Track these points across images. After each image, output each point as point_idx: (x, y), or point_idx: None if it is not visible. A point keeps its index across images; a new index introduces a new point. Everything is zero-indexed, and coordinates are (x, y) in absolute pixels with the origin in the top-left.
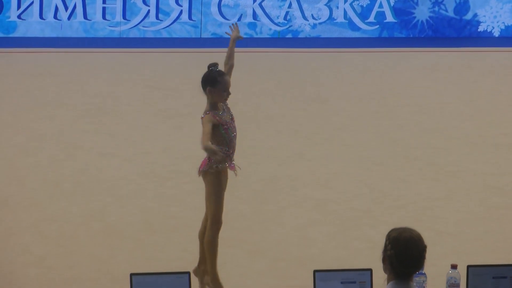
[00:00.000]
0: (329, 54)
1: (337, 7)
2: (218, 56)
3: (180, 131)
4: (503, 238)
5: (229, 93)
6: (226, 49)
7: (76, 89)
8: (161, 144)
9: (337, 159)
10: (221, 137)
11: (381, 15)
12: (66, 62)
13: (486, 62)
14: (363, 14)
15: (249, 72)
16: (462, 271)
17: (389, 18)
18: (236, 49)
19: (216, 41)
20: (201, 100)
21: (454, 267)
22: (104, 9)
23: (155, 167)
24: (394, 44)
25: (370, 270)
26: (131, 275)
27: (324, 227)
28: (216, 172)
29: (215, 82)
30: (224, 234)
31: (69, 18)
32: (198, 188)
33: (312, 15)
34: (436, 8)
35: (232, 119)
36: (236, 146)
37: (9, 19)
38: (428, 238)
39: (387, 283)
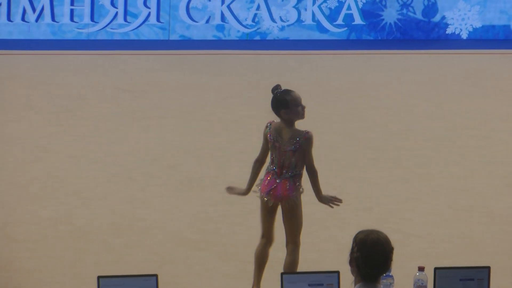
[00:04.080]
0: (297, 56)
1: (305, 9)
2: (186, 58)
3: (148, 133)
4: (470, 240)
5: (303, 107)
6: (194, 51)
7: (44, 91)
8: (129, 146)
9: None
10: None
11: (349, 17)
12: (34, 64)
13: (454, 65)
14: (331, 16)
15: (218, 75)
16: (429, 273)
17: (358, 20)
18: (203, 51)
19: (184, 43)
20: (169, 102)
21: (421, 269)
22: (72, 11)
23: (123, 170)
24: (363, 46)
25: (338, 272)
26: (99, 277)
27: None
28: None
29: (285, 103)
30: (192, 237)
31: (36, 20)
32: (165, 190)
33: (280, 17)
34: (404, 11)
35: (290, 141)
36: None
37: None
38: (395, 240)
39: (355, 286)
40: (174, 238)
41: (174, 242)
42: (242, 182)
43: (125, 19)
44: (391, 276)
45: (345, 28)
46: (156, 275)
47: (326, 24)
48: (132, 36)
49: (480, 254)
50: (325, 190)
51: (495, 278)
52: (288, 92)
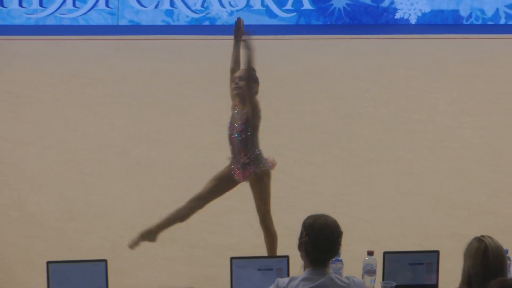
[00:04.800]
0: None
1: None
2: (135, 43)
3: (99, 119)
4: (418, 224)
5: (236, 84)
6: (143, 36)
7: None
8: (80, 132)
9: None
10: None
11: (298, 2)
12: None
13: (403, 49)
14: (281, 2)
15: (167, 60)
16: (378, 258)
17: (307, 5)
18: (153, 37)
19: (133, 29)
20: (119, 88)
21: (370, 253)
22: None
23: (74, 156)
24: (312, 31)
25: (287, 257)
26: (48, 263)
27: (241, 214)
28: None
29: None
30: (144, 222)
31: None
32: (117, 176)
33: (229, 2)
34: None
35: (240, 119)
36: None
37: None
38: (344, 225)
39: (304, 270)
40: (125, 224)
41: (125, 228)
42: (193, 168)
43: (74, 4)
44: (340, 261)
45: (294, 13)
46: (105, 261)
47: (275, 9)
48: (81, 22)
49: (428, 238)
50: (274, 176)
51: (443, 262)
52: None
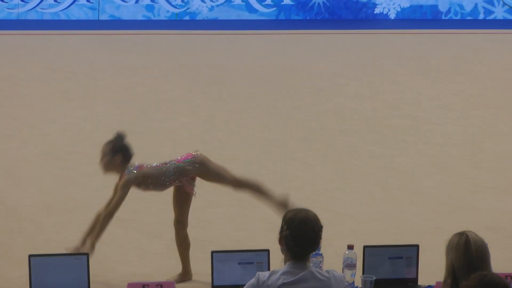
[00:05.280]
0: (227, 36)
1: None
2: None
3: (79, 112)
4: (398, 218)
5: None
6: (124, 31)
7: None
8: (59, 126)
9: (235, 141)
10: None
11: None
12: None
13: (382, 44)
14: None
15: (148, 55)
16: (358, 252)
17: (286, 0)
18: (133, 31)
19: (114, 23)
20: (100, 82)
21: (350, 247)
22: None
23: (53, 149)
24: (291, 26)
25: (268, 251)
26: (30, 256)
27: (222, 208)
28: None
29: None
30: (123, 216)
31: None
32: (96, 169)
33: None
34: None
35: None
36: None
37: None
38: (324, 219)
39: (284, 264)
40: None
41: None
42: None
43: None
44: (321, 254)
45: (274, 8)
46: (87, 254)
47: (255, 4)
48: (62, 16)
49: (408, 233)
50: (255, 170)
51: (423, 256)
52: None
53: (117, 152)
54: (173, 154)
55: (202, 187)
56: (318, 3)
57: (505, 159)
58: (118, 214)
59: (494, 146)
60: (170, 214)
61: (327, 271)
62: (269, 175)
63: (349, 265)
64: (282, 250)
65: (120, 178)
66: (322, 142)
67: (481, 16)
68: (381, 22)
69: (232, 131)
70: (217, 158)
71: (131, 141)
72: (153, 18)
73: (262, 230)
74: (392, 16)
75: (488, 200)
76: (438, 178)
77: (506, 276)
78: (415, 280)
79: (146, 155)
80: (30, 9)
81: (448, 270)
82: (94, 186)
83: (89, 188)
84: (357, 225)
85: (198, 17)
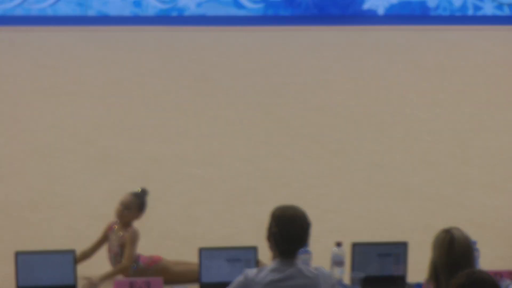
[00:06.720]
0: (215, 32)
1: None
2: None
3: (65, 108)
4: (387, 215)
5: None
6: (111, 27)
7: None
8: (46, 122)
9: (222, 137)
10: None
11: None
12: None
13: (371, 40)
14: None
15: (135, 50)
16: (347, 249)
17: None
18: (120, 27)
19: (102, 19)
20: (86, 78)
21: (339, 244)
22: None
23: (40, 145)
24: (279, 22)
25: (255, 248)
26: (16, 253)
27: (210, 205)
28: None
29: None
30: (108, 212)
31: None
32: (82, 165)
33: None
34: None
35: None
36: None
37: None
38: (312, 216)
39: (272, 261)
40: (90, 213)
41: (90, 218)
42: (158, 157)
43: None
44: (309, 252)
45: (262, 4)
46: (73, 251)
47: (243, 0)
48: (49, 12)
49: (397, 230)
50: (241, 166)
51: (412, 253)
52: None
53: (142, 210)
54: (159, 150)
55: (189, 184)
56: None
57: (493, 155)
58: (103, 210)
59: (483, 143)
60: (157, 210)
61: (315, 268)
62: (256, 171)
63: (338, 262)
64: (270, 247)
65: (122, 227)
66: (309, 138)
67: (471, 12)
68: (369, 18)
69: (217, 127)
70: (203, 154)
71: (117, 136)
72: (140, 14)
73: (249, 227)
74: (381, 12)
75: (477, 197)
76: (426, 174)
77: (495, 273)
78: (404, 277)
79: (132, 150)
80: (17, 5)
81: (431, 269)
82: (81, 182)
83: (74, 184)
84: (345, 222)
85: (186, 13)
